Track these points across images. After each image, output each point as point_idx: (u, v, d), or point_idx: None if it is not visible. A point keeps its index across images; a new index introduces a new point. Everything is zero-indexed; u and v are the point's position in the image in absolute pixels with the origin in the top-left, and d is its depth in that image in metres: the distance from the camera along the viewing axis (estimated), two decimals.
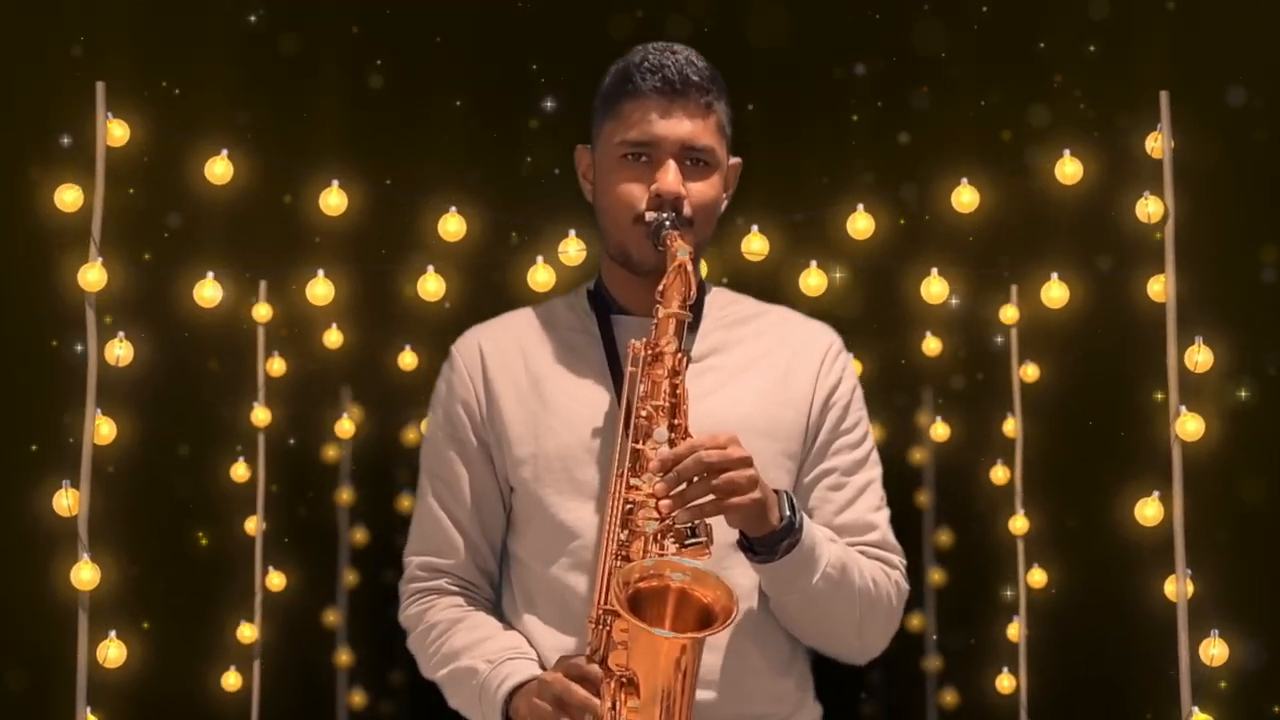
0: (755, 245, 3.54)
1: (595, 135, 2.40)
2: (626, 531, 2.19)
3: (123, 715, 3.34)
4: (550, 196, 4.01)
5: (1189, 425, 3.08)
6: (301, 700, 4.93)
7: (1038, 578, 4.17)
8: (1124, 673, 4.21)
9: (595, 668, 2.15)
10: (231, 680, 3.99)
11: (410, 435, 5.15)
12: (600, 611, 2.18)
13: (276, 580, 4.14)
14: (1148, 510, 3.18)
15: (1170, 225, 3.13)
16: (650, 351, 2.25)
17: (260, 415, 4.01)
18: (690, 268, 2.23)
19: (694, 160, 2.32)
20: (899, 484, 5.18)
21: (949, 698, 5.25)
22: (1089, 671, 4.35)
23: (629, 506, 2.19)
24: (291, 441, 4.58)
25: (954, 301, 3.58)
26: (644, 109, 2.31)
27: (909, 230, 3.83)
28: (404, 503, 5.23)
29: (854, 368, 2.51)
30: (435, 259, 3.57)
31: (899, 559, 2.43)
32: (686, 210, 2.31)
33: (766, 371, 2.41)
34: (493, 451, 2.41)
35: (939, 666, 5.26)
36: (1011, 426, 4.19)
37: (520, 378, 2.41)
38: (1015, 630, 4.14)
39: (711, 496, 2.14)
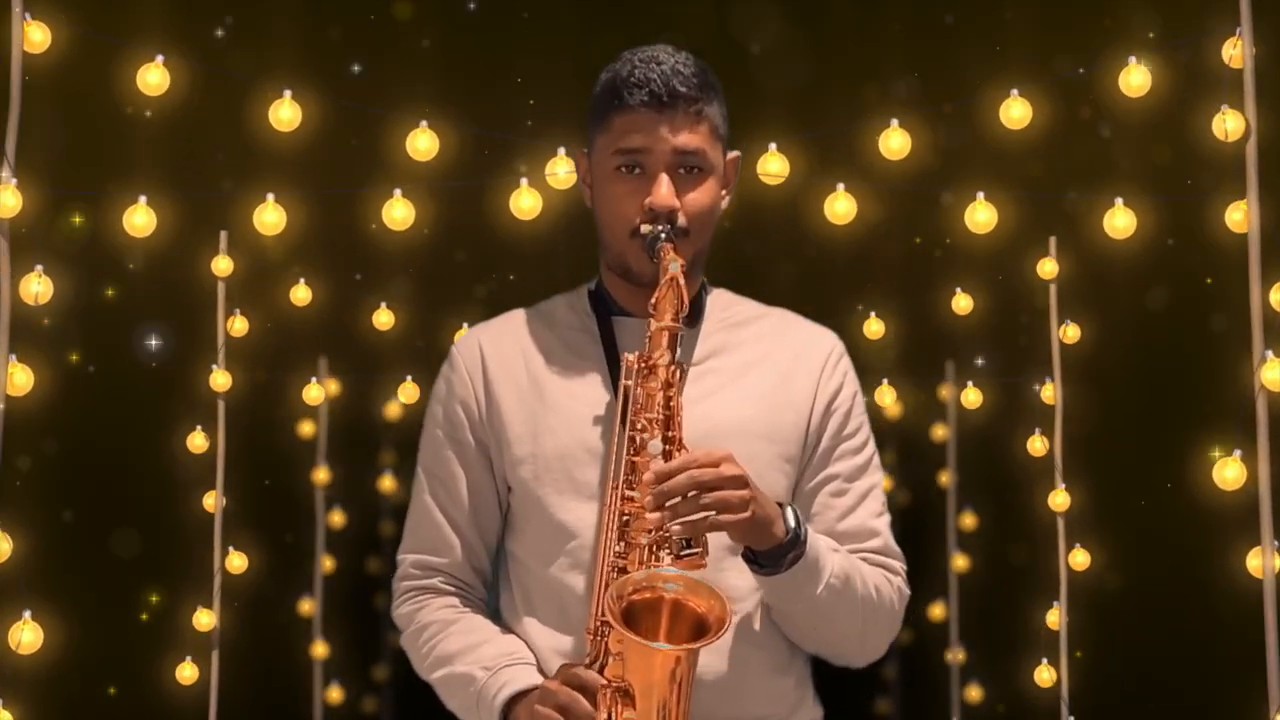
0: (773, 166, 3.23)
1: (590, 144, 2.47)
2: (622, 543, 2.26)
3: (44, 709, 3.01)
4: (536, 107, 3.70)
5: (1276, 373, 2.71)
6: (269, 695, 4.77)
7: (1080, 559, 3.89)
8: (1189, 664, 3.98)
9: (595, 676, 2.21)
10: (187, 672, 3.73)
11: (392, 409, 5.01)
12: (597, 623, 2.25)
13: (238, 562, 3.91)
14: (1228, 472, 2.83)
15: (1253, 143, 2.83)
16: (644, 364, 2.31)
17: (220, 379, 3.74)
18: (682, 281, 2.30)
19: (687, 169, 2.38)
20: (923, 460, 5.12)
21: (974, 693, 5.09)
22: (1145, 663, 4.13)
23: (625, 518, 2.27)
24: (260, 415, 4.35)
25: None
26: (633, 124, 2.37)
27: (951, 150, 3.48)
28: (385, 483, 5.11)
29: (855, 375, 2.58)
30: (403, 181, 3.26)
31: (900, 565, 2.48)
32: (681, 221, 2.37)
33: (767, 374, 2.46)
34: (491, 452, 2.46)
35: (963, 660, 5.10)
36: (1050, 392, 3.92)
37: (520, 377, 2.46)
38: (1055, 617, 3.87)
39: (703, 514, 2.20)
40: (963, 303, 4.13)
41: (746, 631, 2.38)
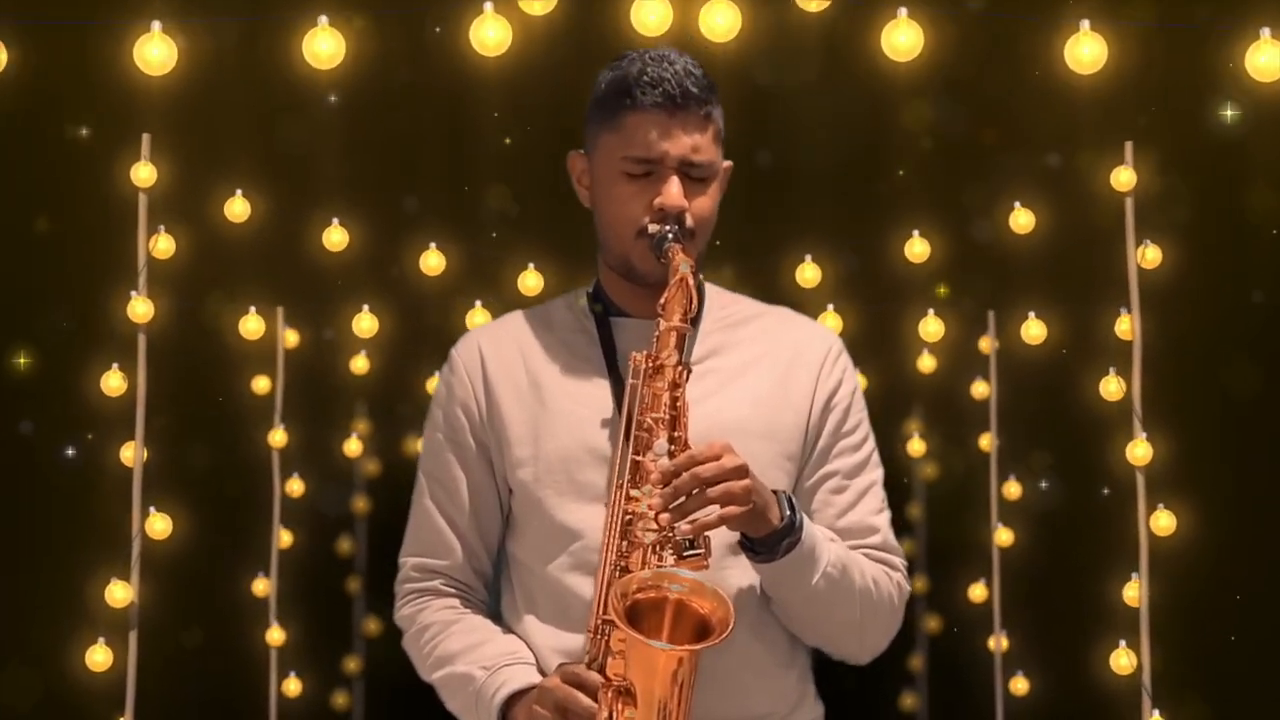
0: None
1: (591, 143, 2.53)
2: (626, 542, 2.34)
3: None
4: None
5: None
6: (214, 685, 4.64)
7: (1165, 522, 3.69)
8: None
9: (594, 674, 2.28)
10: (99, 657, 3.57)
11: (359, 363, 4.81)
12: (599, 621, 2.33)
13: (160, 525, 3.60)
14: None
15: None
16: (651, 364, 2.40)
17: (140, 308, 3.46)
18: (691, 281, 2.41)
19: (694, 172, 2.47)
20: (962, 421, 4.71)
21: (1019, 685, 4.90)
22: (1244, 643, 3.86)
23: (629, 518, 2.35)
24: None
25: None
26: (645, 124, 2.45)
27: None
28: (353, 446, 4.96)
29: (855, 372, 2.63)
30: (329, 6, 2.93)
31: (900, 561, 2.56)
32: (689, 222, 2.46)
33: (766, 374, 2.55)
34: (492, 454, 2.55)
35: (1007, 646, 4.89)
36: (1127, 326, 3.64)
37: (520, 379, 2.55)
38: (1134, 591, 3.59)
39: (709, 510, 2.29)
40: (1022, 219, 3.80)
41: (748, 628, 2.43)
